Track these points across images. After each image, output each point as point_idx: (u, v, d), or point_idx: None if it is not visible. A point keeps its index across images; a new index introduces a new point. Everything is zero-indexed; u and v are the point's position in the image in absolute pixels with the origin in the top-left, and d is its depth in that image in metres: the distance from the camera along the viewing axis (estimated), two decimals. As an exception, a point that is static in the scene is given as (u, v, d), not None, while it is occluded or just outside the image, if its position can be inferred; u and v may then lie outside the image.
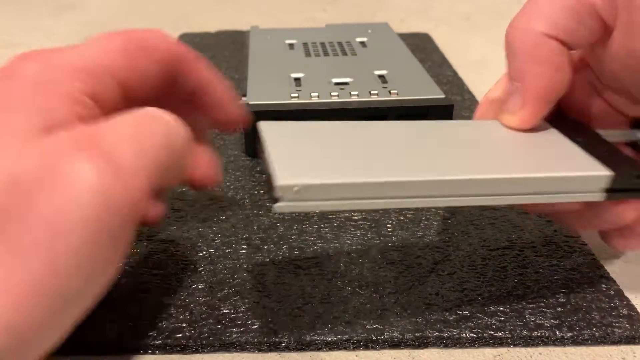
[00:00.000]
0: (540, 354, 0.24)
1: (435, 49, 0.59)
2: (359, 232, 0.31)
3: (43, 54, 0.22)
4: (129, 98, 0.23)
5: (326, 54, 0.47)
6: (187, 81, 0.25)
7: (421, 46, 0.60)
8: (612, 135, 0.26)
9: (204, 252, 0.29)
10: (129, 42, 0.23)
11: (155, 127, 0.21)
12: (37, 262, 0.17)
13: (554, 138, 0.25)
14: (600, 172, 0.22)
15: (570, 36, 0.24)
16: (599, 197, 0.23)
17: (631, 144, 0.27)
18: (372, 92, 0.38)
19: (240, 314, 0.25)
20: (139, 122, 0.21)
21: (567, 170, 0.22)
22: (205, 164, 0.26)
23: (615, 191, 0.22)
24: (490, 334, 0.24)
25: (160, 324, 0.25)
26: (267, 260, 0.29)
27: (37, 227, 0.17)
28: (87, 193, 0.18)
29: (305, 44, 0.50)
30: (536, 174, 0.22)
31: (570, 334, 0.24)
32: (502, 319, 0.25)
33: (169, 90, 0.25)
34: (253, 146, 0.38)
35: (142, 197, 0.19)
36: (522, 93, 0.25)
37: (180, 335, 0.24)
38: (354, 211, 0.29)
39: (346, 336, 0.24)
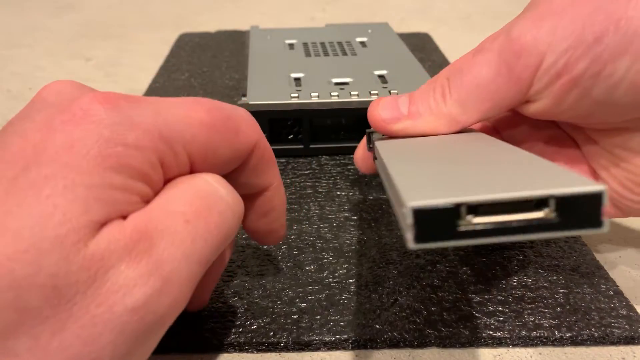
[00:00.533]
0: (540, 354, 0.24)
1: (435, 49, 0.59)
2: (358, 232, 0.31)
3: (120, 102, 0.19)
4: (196, 168, 0.21)
5: (326, 54, 0.47)
6: (254, 176, 0.23)
7: (421, 46, 0.60)
8: None
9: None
10: (216, 119, 0.21)
11: (211, 208, 0.20)
12: None
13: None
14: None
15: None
16: None
17: None
18: (372, 92, 0.38)
19: (239, 314, 0.25)
20: (196, 209, 0.19)
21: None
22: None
23: None
24: (489, 334, 0.24)
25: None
26: (266, 260, 0.29)
27: (67, 335, 0.16)
28: (130, 311, 0.17)
29: (305, 44, 0.50)
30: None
31: (570, 334, 0.24)
32: (501, 319, 0.25)
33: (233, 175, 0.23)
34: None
35: (186, 299, 0.19)
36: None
37: (180, 335, 0.24)
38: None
39: (345, 336, 0.24)
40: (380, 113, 0.26)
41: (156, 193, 0.19)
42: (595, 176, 0.27)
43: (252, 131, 0.22)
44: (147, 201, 0.19)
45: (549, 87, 0.23)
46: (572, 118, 0.25)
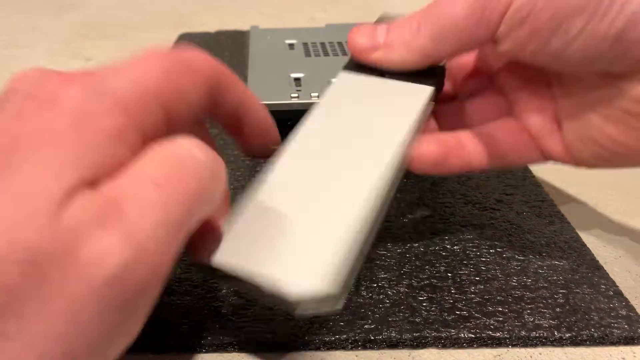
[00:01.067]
0: (540, 354, 0.24)
1: (435, 49, 0.59)
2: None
3: (86, 78, 0.20)
4: (172, 122, 0.21)
5: (326, 54, 0.47)
6: (227, 103, 0.24)
7: (421, 46, 0.60)
8: None
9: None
10: (172, 62, 0.21)
11: (183, 170, 0.19)
12: (49, 346, 0.16)
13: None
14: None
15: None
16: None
17: None
18: (371, 92, 0.38)
19: (238, 314, 0.25)
20: (167, 172, 0.19)
21: None
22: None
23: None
24: (489, 334, 0.24)
25: (158, 324, 0.25)
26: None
27: (50, 312, 0.16)
28: (108, 283, 0.17)
29: (305, 44, 0.50)
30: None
31: (569, 334, 0.24)
32: (501, 319, 0.25)
33: (209, 112, 0.24)
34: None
35: (167, 266, 0.19)
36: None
37: (179, 335, 0.24)
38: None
39: (344, 336, 0.24)
40: (357, 40, 0.27)
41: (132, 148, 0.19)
42: (557, 122, 0.28)
43: (208, 62, 0.23)
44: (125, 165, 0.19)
45: (513, 32, 0.24)
46: (535, 63, 0.26)
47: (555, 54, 0.24)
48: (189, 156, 0.20)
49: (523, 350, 0.24)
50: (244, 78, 0.42)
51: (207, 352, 0.24)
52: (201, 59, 0.23)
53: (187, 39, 0.63)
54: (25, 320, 0.16)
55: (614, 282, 0.27)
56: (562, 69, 0.26)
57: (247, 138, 0.26)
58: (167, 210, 0.18)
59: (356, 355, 0.24)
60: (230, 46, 0.60)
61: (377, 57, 0.27)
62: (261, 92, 0.39)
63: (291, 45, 0.50)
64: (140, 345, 0.24)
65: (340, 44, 0.50)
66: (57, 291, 0.16)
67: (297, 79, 0.42)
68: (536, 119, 0.28)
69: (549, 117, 0.27)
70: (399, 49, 0.26)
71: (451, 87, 0.31)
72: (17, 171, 0.17)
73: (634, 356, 0.24)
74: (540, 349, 0.24)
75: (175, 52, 0.22)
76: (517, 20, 0.24)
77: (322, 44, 0.50)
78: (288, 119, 0.38)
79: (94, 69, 0.21)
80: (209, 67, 0.23)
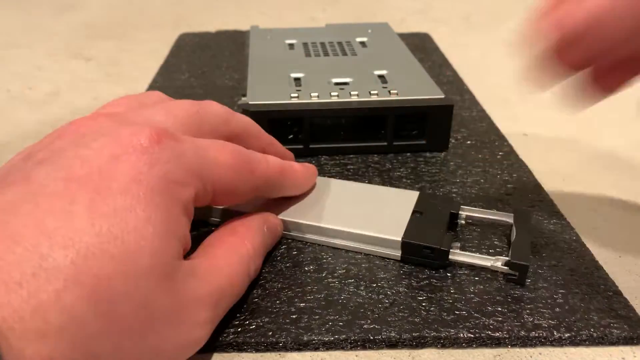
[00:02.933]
0: (540, 354, 0.24)
1: (435, 49, 0.59)
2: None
3: (170, 140, 0.22)
4: (216, 199, 0.25)
5: (326, 54, 0.47)
6: (275, 193, 0.29)
7: (421, 46, 0.60)
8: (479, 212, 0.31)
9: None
10: (238, 162, 0.25)
11: (241, 281, 0.25)
12: None
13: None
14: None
15: None
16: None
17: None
18: (372, 92, 0.38)
19: (238, 314, 0.25)
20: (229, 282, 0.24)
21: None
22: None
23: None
24: (488, 334, 0.24)
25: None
26: (266, 260, 0.29)
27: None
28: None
29: (305, 44, 0.50)
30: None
31: (568, 334, 0.24)
32: (500, 319, 0.25)
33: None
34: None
35: None
36: None
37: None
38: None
39: (344, 336, 0.24)
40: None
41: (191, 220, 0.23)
42: None
43: (265, 168, 0.27)
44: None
45: None
46: None
47: None
48: (247, 269, 0.25)
49: (523, 350, 0.24)
50: (245, 77, 0.42)
51: (205, 352, 0.24)
52: (260, 162, 0.27)
53: (187, 39, 0.63)
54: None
55: (613, 282, 0.27)
56: None
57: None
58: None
59: (356, 355, 0.24)
60: (230, 46, 0.60)
61: None
62: (261, 92, 0.39)
63: (291, 45, 0.50)
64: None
65: (340, 44, 0.50)
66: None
67: (297, 79, 0.42)
68: None
69: None
70: None
71: None
72: (125, 219, 0.19)
73: (634, 356, 0.24)
74: (540, 349, 0.24)
75: (246, 153, 0.26)
76: None
77: (322, 44, 0.50)
78: (288, 119, 0.38)
79: (177, 132, 0.24)
80: (264, 174, 0.27)
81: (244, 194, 0.26)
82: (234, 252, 0.25)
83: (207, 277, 0.22)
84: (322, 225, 0.29)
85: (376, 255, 0.29)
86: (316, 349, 0.24)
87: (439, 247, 0.27)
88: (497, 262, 0.27)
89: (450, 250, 0.27)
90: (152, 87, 0.50)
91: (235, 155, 0.25)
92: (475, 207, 0.31)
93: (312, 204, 0.31)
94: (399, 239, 0.28)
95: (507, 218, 0.30)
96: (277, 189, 0.29)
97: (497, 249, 0.29)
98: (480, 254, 0.28)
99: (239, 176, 0.25)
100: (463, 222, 0.31)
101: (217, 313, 0.23)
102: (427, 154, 0.39)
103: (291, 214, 0.30)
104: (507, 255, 0.28)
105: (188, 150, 0.23)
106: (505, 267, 0.27)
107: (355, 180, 0.36)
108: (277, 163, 0.28)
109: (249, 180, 0.26)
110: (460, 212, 0.30)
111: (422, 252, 0.28)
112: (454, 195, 0.34)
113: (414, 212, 0.30)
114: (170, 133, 0.23)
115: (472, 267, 0.28)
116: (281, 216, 0.30)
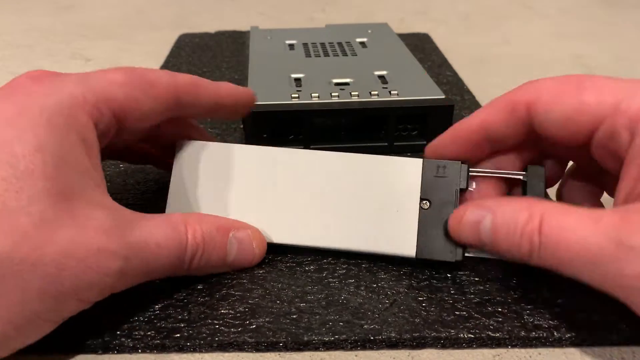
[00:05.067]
0: (539, 354, 0.24)
1: (434, 49, 0.59)
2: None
3: (48, 76, 0.24)
4: (123, 125, 0.25)
5: (326, 54, 0.47)
6: (195, 107, 0.28)
7: (420, 46, 0.60)
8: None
9: (203, 252, 0.29)
10: (131, 77, 0.25)
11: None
12: None
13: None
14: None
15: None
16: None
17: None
18: (372, 92, 0.38)
19: (239, 314, 0.25)
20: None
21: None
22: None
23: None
24: (488, 334, 0.24)
25: (159, 324, 0.25)
26: (266, 260, 0.29)
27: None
28: None
29: (305, 45, 0.50)
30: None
31: (569, 334, 0.24)
32: (500, 319, 0.25)
33: (173, 116, 0.28)
34: (254, 141, 0.38)
35: None
36: None
37: (179, 335, 0.24)
38: None
39: (344, 336, 0.24)
40: (460, 236, 0.26)
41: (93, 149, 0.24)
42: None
43: (166, 78, 0.26)
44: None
45: None
46: None
47: None
48: (182, 254, 0.25)
49: (523, 350, 0.24)
50: (245, 78, 0.42)
51: (206, 351, 0.24)
52: (161, 76, 0.26)
53: (186, 39, 0.63)
54: None
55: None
56: None
57: (225, 115, 0.31)
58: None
59: (356, 355, 0.24)
60: (230, 47, 0.60)
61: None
62: (262, 93, 0.39)
63: (291, 46, 0.50)
64: (139, 344, 0.24)
65: (340, 44, 0.50)
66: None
67: (297, 80, 0.42)
68: None
69: None
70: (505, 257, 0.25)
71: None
72: (10, 144, 0.21)
73: (634, 356, 0.24)
74: (540, 349, 0.24)
75: (141, 69, 0.26)
76: None
77: (322, 45, 0.50)
78: (289, 119, 0.38)
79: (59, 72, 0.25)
80: (167, 84, 0.26)
81: (153, 112, 0.26)
82: (173, 227, 0.25)
83: (118, 215, 0.23)
84: (321, 246, 0.28)
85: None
86: (316, 349, 0.24)
87: (454, 260, 0.27)
88: None
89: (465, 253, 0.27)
90: (152, 87, 0.50)
91: (127, 71, 0.25)
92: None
93: (299, 207, 0.29)
94: (413, 255, 0.27)
95: (519, 176, 0.28)
96: (194, 100, 0.28)
97: None
98: None
99: (137, 91, 0.25)
100: (472, 189, 0.29)
101: (126, 255, 0.23)
102: (427, 154, 0.39)
103: (284, 236, 0.28)
104: None
105: (71, 80, 0.24)
106: None
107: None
108: (187, 75, 0.28)
109: (151, 93, 0.26)
110: (469, 186, 0.29)
111: (436, 263, 0.28)
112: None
113: (421, 201, 0.28)
114: (50, 72, 0.24)
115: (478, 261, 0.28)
116: (276, 241, 0.28)
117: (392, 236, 0.28)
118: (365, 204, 0.28)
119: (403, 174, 0.28)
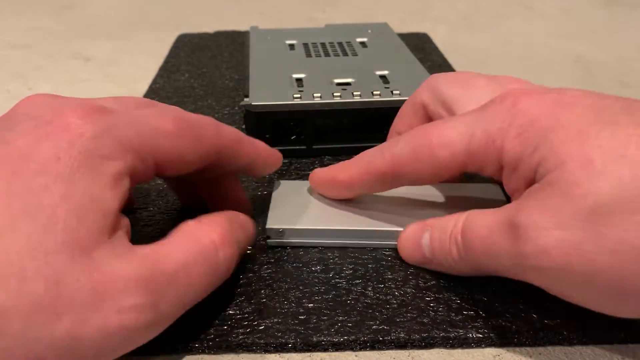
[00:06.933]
0: (540, 354, 0.24)
1: (434, 49, 0.59)
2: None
3: (97, 114, 0.22)
4: (161, 172, 0.24)
5: (327, 54, 0.47)
6: (232, 165, 0.28)
7: (420, 46, 0.60)
8: None
9: (209, 253, 0.29)
10: (181, 128, 0.24)
11: (207, 270, 0.23)
12: None
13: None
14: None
15: None
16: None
17: None
18: (374, 92, 0.38)
19: (247, 315, 0.25)
20: (196, 270, 0.23)
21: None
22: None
23: None
24: (497, 334, 0.24)
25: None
26: (272, 261, 0.29)
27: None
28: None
29: (305, 45, 0.50)
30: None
31: (576, 333, 0.24)
32: (508, 318, 0.25)
33: (212, 167, 0.27)
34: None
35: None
36: None
37: (187, 336, 0.24)
38: (319, 245, 0.30)
39: (353, 337, 0.24)
40: (404, 252, 0.29)
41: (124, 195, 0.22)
42: None
43: (214, 134, 0.26)
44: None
45: None
46: None
47: None
48: (215, 259, 0.23)
49: (523, 349, 0.24)
50: (245, 78, 0.42)
51: (214, 353, 0.24)
52: (209, 128, 0.25)
53: (185, 39, 0.63)
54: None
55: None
56: None
57: (252, 173, 0.31)
58: (187, 294, 0.23)
59: (355, 355, 0.24)
60: (229, 47, 0.60)
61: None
62: (263, 93, 0.39)
63: (291, 46, 0.50)
64: (146, 346, 0.24)
65: (340, 44, 0.50)
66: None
67: (298, 80, 0.42)
68: None
69: None
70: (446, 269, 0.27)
71: None
72: (38, 196, 0.20)
73: (634, 356, 0.24)
74: (540, 349, 0.24)
75: (190, 118, 0.25)
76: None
77: (323, 45, 0.50)
78: (291, 120, 0.38)
79: (107, 106, 0.23)
80: (213, 137, 0.26)
81: (194, 163, 0.25)
82: (193, 239, 0.23)
83: (141, 260, 0.21)
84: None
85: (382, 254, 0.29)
86: (325, 349, 0.24)
87: None
88: None
89: None
90: (153, 88, 0.50)
91: (178, 121, 0.24)
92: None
93: (402, 212, 0.30)
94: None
95: None
96: (234, 158, 0.27)
97: None
98: None
99: (183, 143, 0.24)
100: None
101: (156, 301, 0.21)
102: (430, 154, 0.39)
103: (388, 223, 0.30)
104: None
105: (120, 122, 0.22)
106: None
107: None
108: (231, 130, 0.27)
109: (197, 147, 0.25)
110: None
111: None
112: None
113: None
114: (99, 106, 0.22)
115: None
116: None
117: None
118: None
119: (485, 190, 0.32)
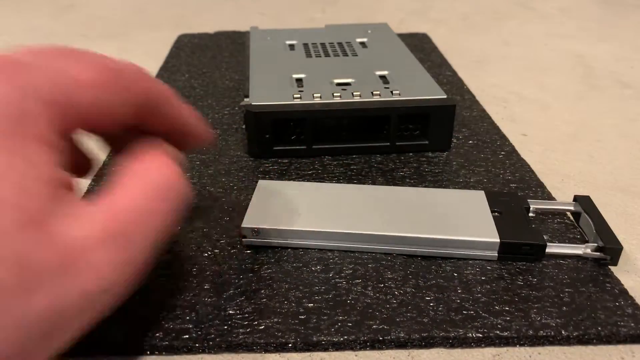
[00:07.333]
0: (539, 353, 0.24)
1: (434, 49, 0.59)
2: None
3: (18, 70, 0.20)
4: (89, 128, 0.22)
5: (327, 54, 0.47)
6: (160, 122, 0.25)
7: (420, 46, 0.60)
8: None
9: (209, 253, 0.29)
10: (108, 78, 0.22)
11: (170, 204, 0.22)
12: None
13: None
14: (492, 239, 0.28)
15: None
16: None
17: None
18: (374, 92, 0.38)
19: (247, 315, 0.25)
20: (155, 206, 0.21)
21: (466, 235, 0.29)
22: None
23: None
24: (497, 333, 0.24)
25: (166, 325, 0.25)
26: (272, 260, 0.29)
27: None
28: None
29: (305, 45, 0.50)
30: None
31: (576, 333, 0.24)
32: (508, 318, 0.25)
33: (137, 125, 0.24)
34: (256, 147, 0.38)
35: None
36: None
37: (187, 336, 0.24)
38: (294, 248, 0.30)
39: (353, 337, 0.24)
40: None
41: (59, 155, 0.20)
42: None
43: (142, 83, 0.23)
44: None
45: None
46: None
47: None
48: (176, 188, 0.23)
49: (522, 349, 0.24)
50: (245, 78, 0.42)
51: (214, 353, 0.24)
52: (138, 78, 0.23)
53: (185, 39, 0.63)
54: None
55: (619, 281, 0.27)
56: None
57: (183, 145, 0.27)
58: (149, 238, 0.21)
59: (355, 355, 0.24)
60: (229, 47, 0.60)
61: None
62: (264, 93, 0.39)
63: (291, 46, 0.50)
64: (146, 346, 0.24)
65: (340, 44, 0.50)
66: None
67: (298, 80, 0.42)
68: None
69: None
70: None
71: None
72: None
73: (634, 356, 0.24)
74: (539, 349, 0.24)
75: (115, 66, 0.22)
76: None
77: (323, 45, 0.50)
78: (291, 120, 0.38)
79: (19, 54, 0.21)
80: (142, 88, 0.23)
81: (122, 114, 0.23)
82: (144, 174, 0.22)
83: (98, 215, 0.20)
84: (409, 235, 0.29)
85: (469, 259, 0.29)
86: (325, 349, 0.24)
87: (538, 242, 0.28)
88: (587, 249, 0.28)
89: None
90: (153, 87, 0.50)
91: (102, 70, 0.22)
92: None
93: (382, 216, 0.30)
94: (497, 239, 0.28)
95: (571, 206, 0.32)
96: (160, 111, 0.25)
97: (569, 235, 0.31)
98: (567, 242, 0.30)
99: (110, 95, 0.22)
100: (533, 214, 0.32)
101: (125, 247, 0.20)
102: (430, 154, 0.39)
103: (367, 226, 0.29)
104: (587, 240, 0.30)
105: (38, 76, 0.20)
106: (597, 253, 0.28)
107: (359, 180, 0.36)
108: (163, 85, 0.25)
109: (125, 98, 0.22)
110: (530, 206, 0.32)
111: (520, 250, 0.28)
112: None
113: (491, 211, 0.30)
114: (13, 60, 0.20)
115: (558, 257, 0.29)
116: (360, 230, 0.29)
117: (471, 227, 0.29)
118: (443, 212, 0.30)
119: (471, 196, 0.32)
